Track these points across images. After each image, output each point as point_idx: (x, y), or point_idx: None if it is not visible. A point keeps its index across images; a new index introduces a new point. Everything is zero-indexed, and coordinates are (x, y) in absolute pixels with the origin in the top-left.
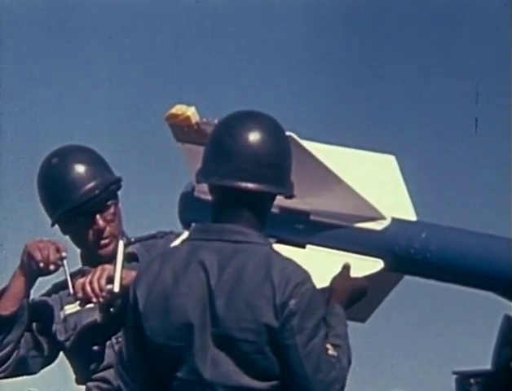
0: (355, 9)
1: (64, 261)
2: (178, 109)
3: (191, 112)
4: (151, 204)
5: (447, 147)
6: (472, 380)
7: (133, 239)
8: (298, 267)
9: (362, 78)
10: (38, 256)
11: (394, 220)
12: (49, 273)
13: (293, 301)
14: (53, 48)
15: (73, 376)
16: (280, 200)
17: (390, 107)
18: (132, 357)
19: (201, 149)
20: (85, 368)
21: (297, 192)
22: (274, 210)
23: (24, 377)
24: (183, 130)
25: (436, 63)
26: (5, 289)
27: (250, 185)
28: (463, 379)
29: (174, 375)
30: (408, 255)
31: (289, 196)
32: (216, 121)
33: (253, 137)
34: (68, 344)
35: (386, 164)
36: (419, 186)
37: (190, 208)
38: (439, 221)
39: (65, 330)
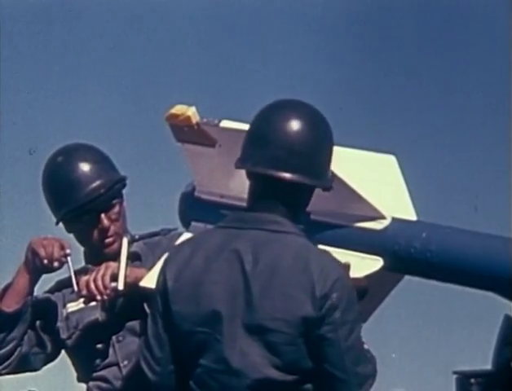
0: (356, 9)
1: (68, 258)
2: (179, 109)
3: (191, 112)
4: (151, 203)
5: (447, 147)
6: (472, 380)
7: (137, 237)
8: (336, 260)
9: (362, 78)
10: (42, 252)
11: (394, 220)
12: (53, 270)
13: (335, 295)
14: (53, 48)
15: (74, 375)
16: None
17: (390, 106)
18: (160, 339)
19: (202, 149)
20: (86, 366)
21: None
22: None
23: (25, 377)
24: (183, 130)
25: (436, 62)
26: (8, 286)
27: (282, 174)
28: (463, 379)
29: (199, 362)
30: (408, 255)
31: (326, 189)
32: (216, 121)
33: (289, 125)
34: (69, 342)
35: (387, 164)
36: (419, 186)
37: (190, 208)
38: (439, 221)
39: (67, 328)
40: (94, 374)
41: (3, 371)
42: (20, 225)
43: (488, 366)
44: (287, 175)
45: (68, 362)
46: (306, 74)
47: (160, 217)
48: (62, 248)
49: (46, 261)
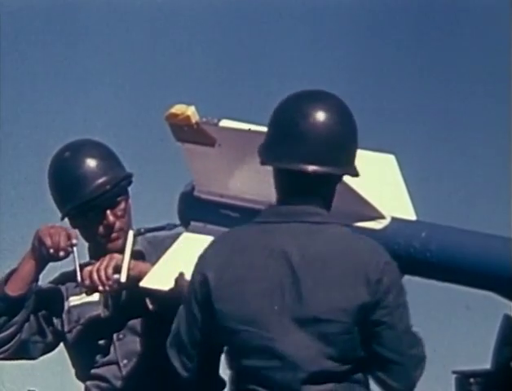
0: (357, 9)
1: (74, 249)
2: (178, 109)
3: (191, 111)
4: (151, 203)
5: (447, 147)
6: (472, 380)
7: (142, 230)
8: (380, 245)
9: (362, 78)
10: (49, 241)
11: (393, 219)
12: (59, 259)
13: (386, 279)
14: (53, 47)
15: (73, 373)
16: None
17: (390, 106)
18: (194, 337)
19: (201, 149)
20: (84, 362)
21: None
22: None
23: (24, 377)
24: (182, 130)
25: (436, 62)
26: (14, 271)
27: (322, 168)
28: (463, 378)
29: (243, 360)
30: (407, 254)
31: (355, 175)
32: (215, 121)
33: (326, 119)
34: (69, 335)
35: (386, 164)
36: (419, 185)
37: (190, 208)
38: (439, 221)
39: (68, 321)
40: (93, 371)
41: (1, 356)
42: (26, 220)
43: (488, 366)
44: (327, 169)
45: (68, 361)
46: (306, 74)
47: (159, 217)
48: (69, 237)
49: (52, 250)
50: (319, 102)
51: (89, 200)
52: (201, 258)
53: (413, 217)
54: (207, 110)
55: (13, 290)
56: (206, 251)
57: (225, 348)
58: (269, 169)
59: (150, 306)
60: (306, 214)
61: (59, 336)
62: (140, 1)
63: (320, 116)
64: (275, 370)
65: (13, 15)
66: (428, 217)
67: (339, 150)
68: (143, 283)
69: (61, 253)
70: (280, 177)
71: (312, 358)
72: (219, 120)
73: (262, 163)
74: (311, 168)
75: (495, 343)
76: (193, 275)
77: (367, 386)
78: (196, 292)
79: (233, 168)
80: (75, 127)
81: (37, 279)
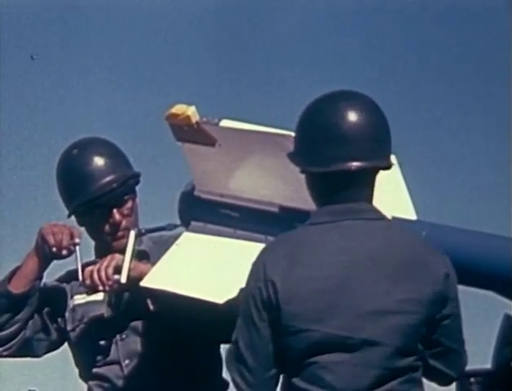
0: (357, 10)
1: (77, 248)
2: (178, 109)
3: (191, 111)
4: (151, 203)
5: (447, 147)
6: (472, 380)
7: (143, 230)
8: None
9: (362, 77)
10: (51, 240)
11: (394, 219)
12: (61, 257)
13: (451, 271)
14: (53, 47)
15: (74, 375)
16: (280, 200)
17: (390, 106)
18: (254, 348)
19: (201, 148)
20: (87, 362)
21: (298, 191)
22: (274, 209)
23: (25, 377)
24: (183, 130)
25: (436, 62)
26: (18, 268)
27: (370, 163)
28: (463, 378)
29: (310, 359)
30: None
31: (389, 167)
32: (216, 120)
33: (366, 116)
34: (73, 334)
35: None
36: (419, 185)
37: (190, 208)
38: (439, 221)
39: (72, 320)
40: (95, 370)
41: (4, 353)
42: (34, 218)
43: (488, 366)
44: (375, 163)
45: (70, 361)
46: (306, 73)
47: (160, 217)
48: (72, 236)
49: (54, 249)
50: (353, 101)
51: (95, 198)
52: (261, 265)
53: (413, 217)
54: (207, 110)
55: (16, 287)
56: (265, 257)
57: (288, 351)
58: (269, 169)
59: (151, 307)
60: (360, 211)
61: (63, 334)
62: (141, 0)
63: (359, 114)
64: (346, 366)
65: (13, 15)
66: (428, 216)
67: (381, 144)
68: (143, 283)
69: (64, 252)
70: (326, 180)
71: (385, 354)
72: (220, 120)
73: (304, 171)
74: (359, 165)
75: (495, 343)
76: (253, 284)
77: (421, 384)
78: (257, 300)
79: (233, 168)
80: (75, 127)
81: (40, 277)
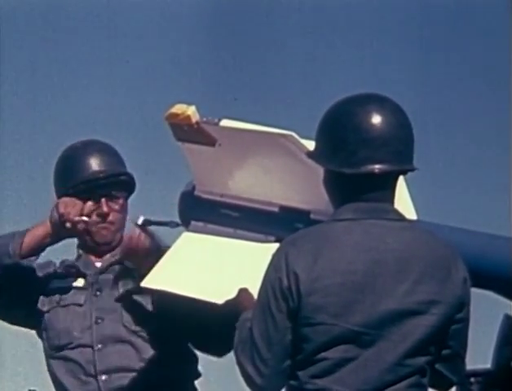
0: (356, 9)
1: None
2: (179, 108)
3: (191, 111)
4: (151, 203)
5: (447, 147)
6: (472, 379)
7: (148, 221)
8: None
9: (361, 77)
10: (61, 209)
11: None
12: (65, 230)
13: (468, 277)
14: (53, 47)
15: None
16: (280, 200)
17: None
18: (269, 339)
19: (202, 148)
20: (58, 341)
21: (298, 191)
22: (274, 209)
23: (25, 377)
24: (183, 129)
25: (437, 60)
26: (27, 231)
27: (400, 166)
28: (463, 379)
29: (325, 354)
30: None
31: (413, 170)
32: (216, 120)
33: (397, 119)
34: (47, 315)
35: None
36: (419, 185)
37: (190, 207)
38: (439, 221)
39: (49, 301)
40: (64, 352)
41: None
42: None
43: (488, 366)
44: (405, 166)
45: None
46: (305, 73)
47: (159, 217)
48: (81, 213)
49: (62, 218)
50: (382, 104)
51: (83, 182)
52: (282, 257)
53: (414, 217)
54: (207, 110)
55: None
56: (287, 249)
57: (304, 342)
58: (269, 168)
59: (149, 307)
60: (384, 211)
61: (35, 314)
62: (141, 0)
63: (390, 117)
64: (357, 363)
65: (13, 15)
66: (428, 216)
67: (408, 146)
68: (144, 284)
69: (67, 224)
70: (353, 180)
71: (394, 354)
72: (220, 120)
73: (332, 172)
74: (390, 168)
75: (495, 343)
76: (273, 274)
77: (426, 390)
78: (276, 290)
79: (233, 168)
80: (75, 127)
81: (42, 247)
